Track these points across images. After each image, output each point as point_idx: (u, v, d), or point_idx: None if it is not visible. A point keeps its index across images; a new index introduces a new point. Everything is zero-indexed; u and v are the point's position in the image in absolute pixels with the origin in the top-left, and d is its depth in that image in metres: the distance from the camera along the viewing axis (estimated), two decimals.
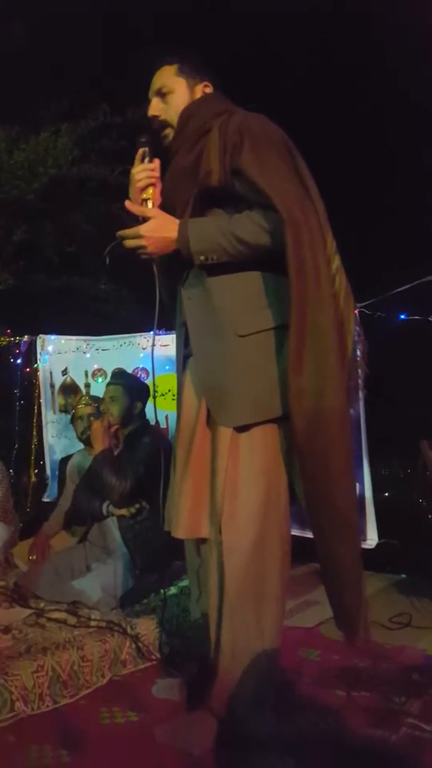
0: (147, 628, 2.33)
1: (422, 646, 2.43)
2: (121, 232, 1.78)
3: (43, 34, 5.57)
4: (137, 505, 2.77)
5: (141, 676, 2.15)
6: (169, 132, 1.91)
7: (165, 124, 1.91)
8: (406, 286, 3.67)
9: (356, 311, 1.84)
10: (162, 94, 1.91)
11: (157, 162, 1.83)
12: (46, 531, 3.36)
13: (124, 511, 2.80)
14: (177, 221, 1.75)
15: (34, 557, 3.20)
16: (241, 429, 1.73)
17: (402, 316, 3.84)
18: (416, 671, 2.15)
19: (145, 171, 1.81)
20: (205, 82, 1.92)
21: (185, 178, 1.79)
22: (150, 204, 1.82)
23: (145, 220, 1.77)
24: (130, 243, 1.77)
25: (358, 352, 1.83)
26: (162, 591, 2.51)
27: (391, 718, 1.82)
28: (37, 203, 5.68)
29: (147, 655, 2.25)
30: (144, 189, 1.82)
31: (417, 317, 3.85)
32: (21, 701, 1.85)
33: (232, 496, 1.70)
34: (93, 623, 2.35)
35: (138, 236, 1.75)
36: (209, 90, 1.93)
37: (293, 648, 2.35)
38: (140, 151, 1.84)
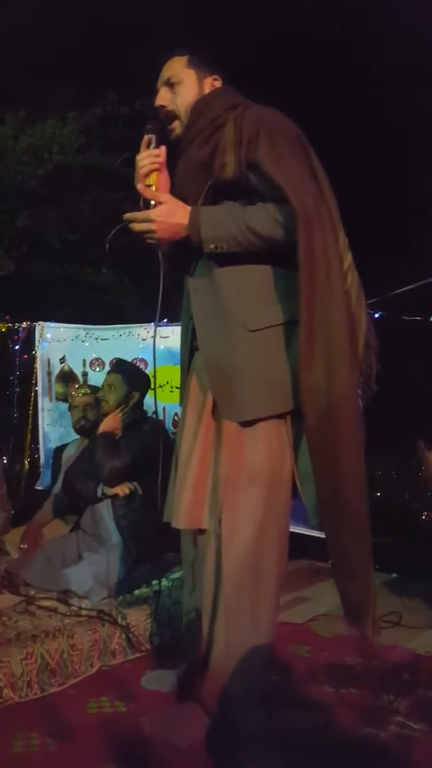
0: (138, 618, 2.33)
1: (412, 645, 2.43)
2: (129, 215, 1.73)
3: (52, 19, 5.52)
4: (131, 486, 2.76)
5: (130, 667, 2.16)
6: (177, 125, 1.87)
7: (172, 116, 1.87)
8: (405, 288, 3.66)
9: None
10: (171, 85, 1.87)
11: (162, 149, 1.80)
12: (38, 519, 3.33)
13: (118, 490, 2.78)
14: (188, 207, 1.73)
15: (26, 546, 3.19)
16: (246, 423, 1.72)
17: (401, 317, 3.84)
18: (405, 670, 2.15)
19: (149, 157, 1.77)
20: (215, 76, 1.89)
21: (199, 172, 1.76)
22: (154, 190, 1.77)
23: (154, 205, 1.72)
24: (138, 227, 1.72)
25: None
26: (156, 582, 2.50)
27: (379, 716, 1.82)
28: (41, 190, 5.65)
29: (137, 645, 2.24)
30: (147, 175, 1.78)
31: (416, 317, 3.84)
32: (9, 688, 1.84)
33: (233, 489, 1.70)
34: (83, 612, 2.34)
35: (148, 220, 1.70)
36: (218, 83, 1.90)
37: (283, 644, 2.34)
38: (145, 137, 1.80)
